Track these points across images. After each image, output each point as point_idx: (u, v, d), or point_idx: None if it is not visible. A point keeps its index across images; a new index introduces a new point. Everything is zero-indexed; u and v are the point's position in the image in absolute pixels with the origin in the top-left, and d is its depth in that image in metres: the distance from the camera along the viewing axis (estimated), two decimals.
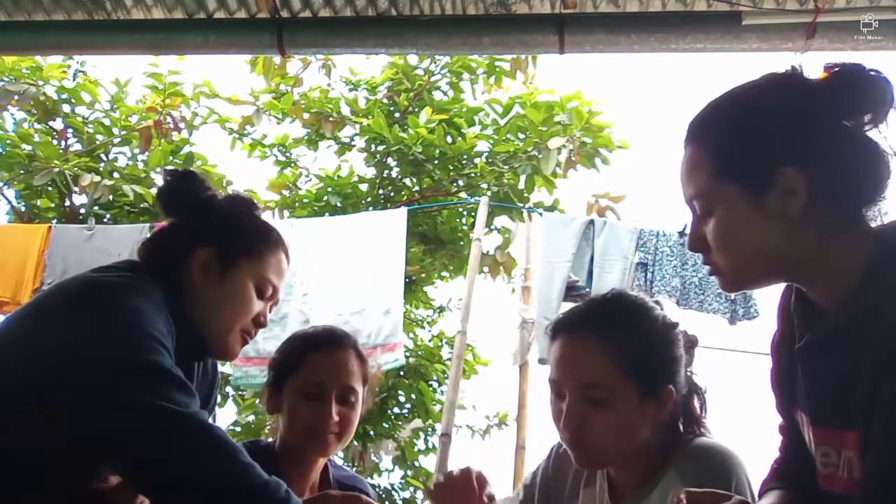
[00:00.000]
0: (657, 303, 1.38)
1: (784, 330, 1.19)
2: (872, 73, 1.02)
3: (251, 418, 6.10)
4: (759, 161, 1.03)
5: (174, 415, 1.14)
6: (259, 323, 1.45)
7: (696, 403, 1.36)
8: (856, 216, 1.03)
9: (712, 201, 1.06)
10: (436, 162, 5.87)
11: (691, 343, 1.37)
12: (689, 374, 1.36)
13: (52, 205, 6.20)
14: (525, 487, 1.53)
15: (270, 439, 1.69)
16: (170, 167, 1.55)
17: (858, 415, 0.98)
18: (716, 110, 1.10)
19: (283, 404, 1.58)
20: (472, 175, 5.87)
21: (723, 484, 1.21)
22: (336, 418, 1.54)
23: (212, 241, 1.42)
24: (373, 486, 8.22)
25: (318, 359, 1.59)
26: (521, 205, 5.58)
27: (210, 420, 1.26)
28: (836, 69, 1.04)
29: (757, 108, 1.05)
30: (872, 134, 1.03)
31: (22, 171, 5.73)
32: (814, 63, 1.06)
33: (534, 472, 1.54)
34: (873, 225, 1.04)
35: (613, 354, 1.27)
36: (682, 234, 4.22)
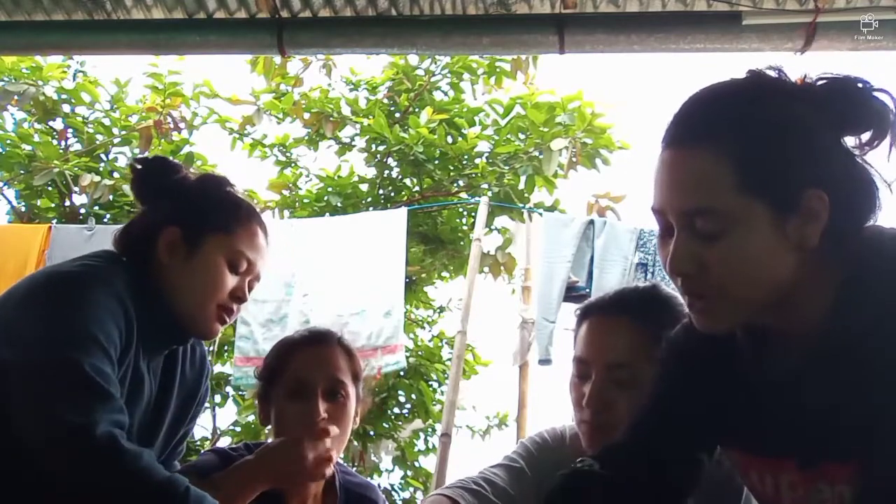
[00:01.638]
0: None
1: (691, 374, 1.08)
2: (873, 89, 0.94)
3: (251, 418, 6.10)
4: (793, 180, 0.91)
5: (71, 423, 1.11)
6: (238, 298, 1.41)
7: None
8: (842, 242, 0.95)
9: (733, 220, 0.91)
10: (436, 162, 5.87)
11: None
12: None
13: (52, 205, 6.20)
14: (523, 458, 1.45)
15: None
16: (139, 156, 1.54)
17: (854, 443, 0.92)
18: (731, 112, 0.95)
19: (272, 411, 1.51)
20: (473, 175, 5.87)
21: None
22: (324, 415, 1.45)
23: (177, 219, 1.40)
24: None
25: (302, 357, 1.53)
26: (521, 205, 5.58)
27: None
28: (831, 81, 0.95)
29: (785, 118, 0.93)
30: (869, 157, 0.96)
31: (22, 171, 5.73)
32: (814, 63, 1.02)
33: (537, 449, 1.47)
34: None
35: (644, 339, 1.27)
36: None
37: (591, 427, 1.29)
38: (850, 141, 0.96)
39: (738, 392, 1.02)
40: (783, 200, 0.92)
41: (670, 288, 1.33)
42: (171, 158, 1.51)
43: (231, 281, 1.39)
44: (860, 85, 0.94)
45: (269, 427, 1.50)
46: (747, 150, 0.92)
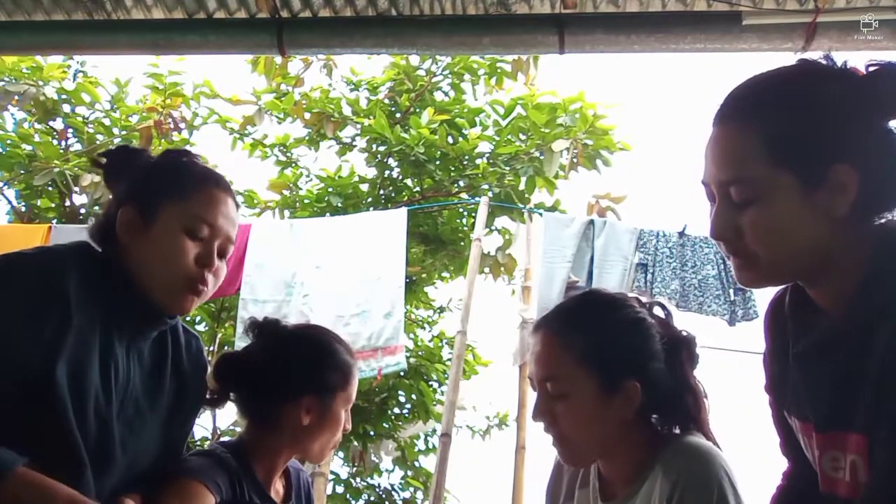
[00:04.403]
0: (640, 302, 1.39)
1: (773, 337, 1.18)
2: None
3: None
4: (820, 154, 0.98)
5: None
6: (205, 265, 1.34)
7: (691, 402, 1.34)
8: (874, 217, 1.01)
9: (762, 189, 0.99)
10: (437, 162, 5.88)
11: (681, 342, 1.37)
12: (684, 372, 1.35)
13: (52, 205, 6.20)
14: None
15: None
16: (104, 151, 1.50)
17: (864, 416, 0.96)
18: (769, 93, 1.03)
19: (327, 415, 1.58)
20: (474, 176, 5.88)
21: (704, 484, 1.21)
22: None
23: (132, 197, 1.36)
24: (372, 486, 8.17)
25: (355, 382, 1.66)
26: (521, 205, 5.59)
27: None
28: (881, 67, 1.00)
29: (818, 98, 1.00)
30: None
31: (22, 171, 5.74)
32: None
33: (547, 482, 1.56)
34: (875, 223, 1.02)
35: (568, 348, 1.31)
36: (681, 234, 4.21)
37: (553, 441, 1.36)
38: None
39: (788, 360, 1.12)
40: (810, 172, 0.98)
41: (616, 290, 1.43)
42: (133, 146, 1.45)
43: (192, 248, 1.33)
44: None
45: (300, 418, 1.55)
46: (777, 126, 1.00)
